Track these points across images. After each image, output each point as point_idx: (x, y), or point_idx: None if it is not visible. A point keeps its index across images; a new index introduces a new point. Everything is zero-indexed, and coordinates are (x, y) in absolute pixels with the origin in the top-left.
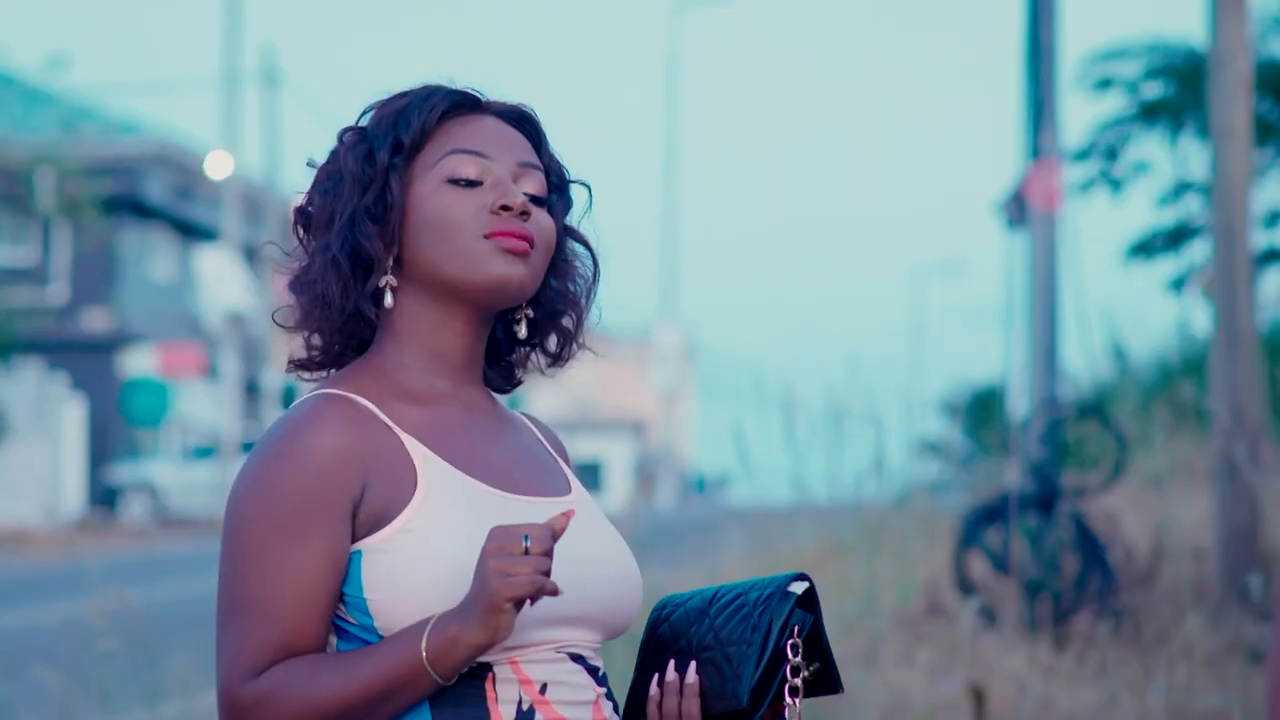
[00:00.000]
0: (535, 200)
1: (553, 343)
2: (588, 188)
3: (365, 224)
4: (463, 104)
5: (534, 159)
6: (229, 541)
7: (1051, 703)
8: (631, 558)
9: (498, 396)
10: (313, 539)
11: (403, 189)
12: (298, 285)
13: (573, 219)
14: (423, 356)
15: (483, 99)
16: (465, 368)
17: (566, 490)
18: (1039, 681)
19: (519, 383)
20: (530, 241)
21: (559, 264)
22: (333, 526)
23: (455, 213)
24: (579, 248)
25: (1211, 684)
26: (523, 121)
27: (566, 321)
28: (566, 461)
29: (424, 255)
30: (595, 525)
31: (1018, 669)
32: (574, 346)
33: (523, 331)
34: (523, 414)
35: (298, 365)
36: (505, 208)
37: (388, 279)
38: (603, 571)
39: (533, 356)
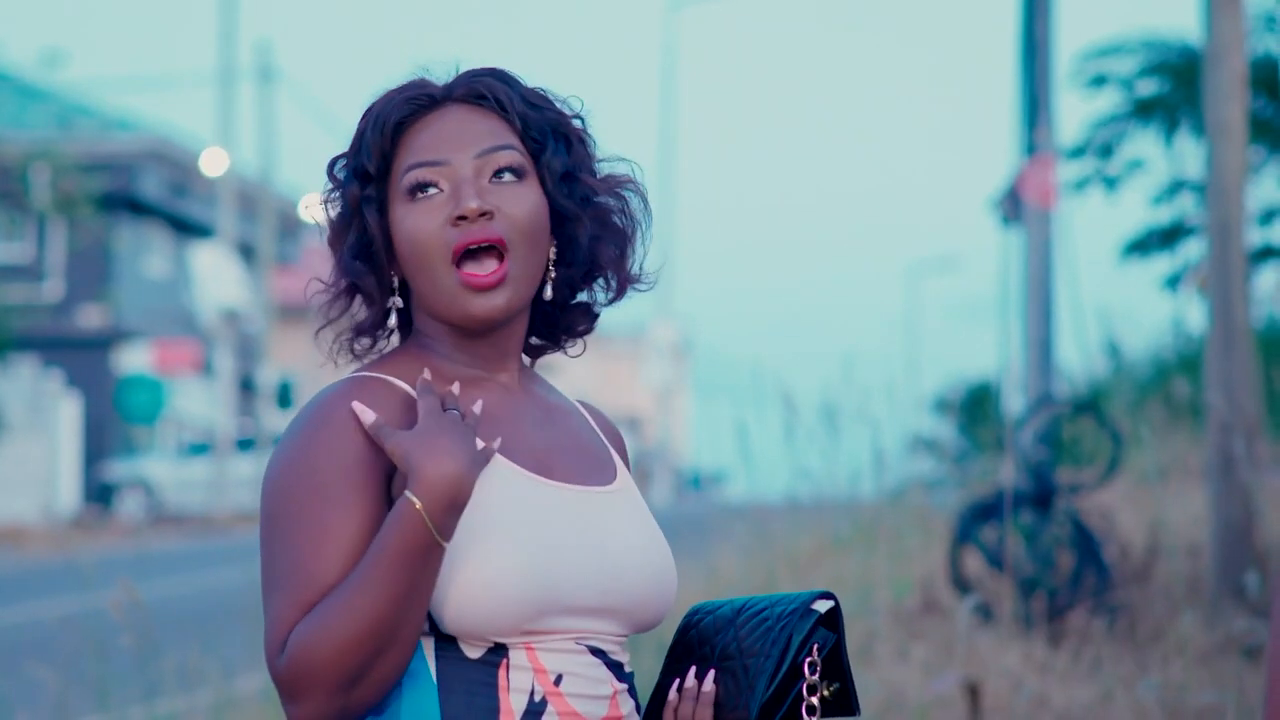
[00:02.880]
0: (509, 179)
1: (601, 285)
2: (582, 120)
3: (352, 263)
4: (419, 107)
5: (499, 139)
6: (266, 520)
7: (1046, 699)
8: (668, 554)
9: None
10: (347, 508)
11: (380, 218)
12: (330, 304)
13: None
14: (457, 347)
15: (437, 94)
16: (495, 358)
17: (610, 480)
18: (1034, 678)
19: (596, 316)
20: (498, 242)
21: (568, 211)
22: (367, 497)
23: (421, 235)
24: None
25: (1206, 681)
26: (482, 98)
27: (609, 252)
28: (623, 453)
29: (415, 286)
30: (633, 518)
31: (1013, 665)
32: (623, 278)
33: (548, 293)
34: (580, 402)
35: (339, 349)
36: (462, 218)
37: (393, 302)
38: (631, 564)
39: (591, 295)
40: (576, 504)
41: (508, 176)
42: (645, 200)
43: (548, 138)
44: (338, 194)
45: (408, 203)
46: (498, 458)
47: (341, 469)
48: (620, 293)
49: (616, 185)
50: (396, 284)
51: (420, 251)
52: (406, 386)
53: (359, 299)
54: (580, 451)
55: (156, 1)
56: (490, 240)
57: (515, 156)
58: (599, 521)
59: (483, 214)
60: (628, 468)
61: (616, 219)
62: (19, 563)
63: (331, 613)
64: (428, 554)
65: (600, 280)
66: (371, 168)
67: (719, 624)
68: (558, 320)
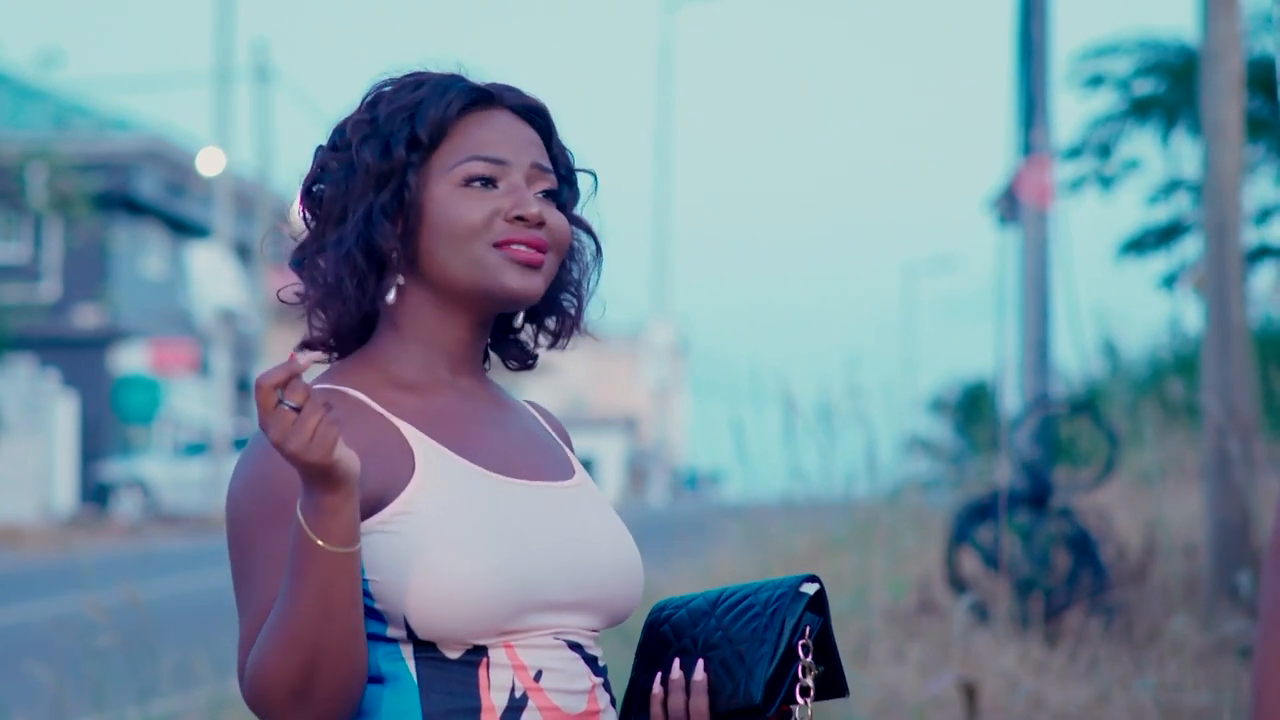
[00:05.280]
0: (548, 195)
1: (552, 323)
2: (593, 175)
3: (381, 222)
4: (478, 99)
5: (545, 159)
6: (230, 541)
7: (1043, 699)
8: (634, 546)
9: (498, 383)
10: None
11: (419, 187)
12: (308, 276)
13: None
14: (421, 349)
15: (496, 93)
16: (464, 361)
17: (568, 475)
18: (1030, 678)
19: (535, 358)
20: (544, 249)
21: (576, 252)
22: None
23: (469, 218)
24: (581, 233)
25: (1203, 681)
26: (533, 115)
27: (566, 304)
28: (570, 449)
29: (436, 258)
30: (597, 512)
31: (1009, 666)
32: (573, 329)
33: (519, 320)
34: (527, 401)
35: (305, 346)
36: (520, 218)
37: (397, 277)
38: (604, 558)
39: (535, 335)
40: (542, 500)
41: (551, 195)
42: (602, 251)
43: (573, 176)
44: (373, 153)
45: (459, 187)
46: (458, 459)
47: (295, 487)
48: (564, 342)
49: (594, 231)
50: (408, 257)
51: (465, 232)
52: (361, 396)
53: (356, 277)
54: (539, 449)
55: (153, 1)
56: (539, 246)
57: (555, 182)
58: (566, 516)
59: (540, 223)
60: (577, 461)
61: (578, 270)
62: (16, 562)
63: (266, 634)
64: (317, 559)
65: (550, 320)
66: (425, 138)
67: (695, 616)
68: (496, 343)
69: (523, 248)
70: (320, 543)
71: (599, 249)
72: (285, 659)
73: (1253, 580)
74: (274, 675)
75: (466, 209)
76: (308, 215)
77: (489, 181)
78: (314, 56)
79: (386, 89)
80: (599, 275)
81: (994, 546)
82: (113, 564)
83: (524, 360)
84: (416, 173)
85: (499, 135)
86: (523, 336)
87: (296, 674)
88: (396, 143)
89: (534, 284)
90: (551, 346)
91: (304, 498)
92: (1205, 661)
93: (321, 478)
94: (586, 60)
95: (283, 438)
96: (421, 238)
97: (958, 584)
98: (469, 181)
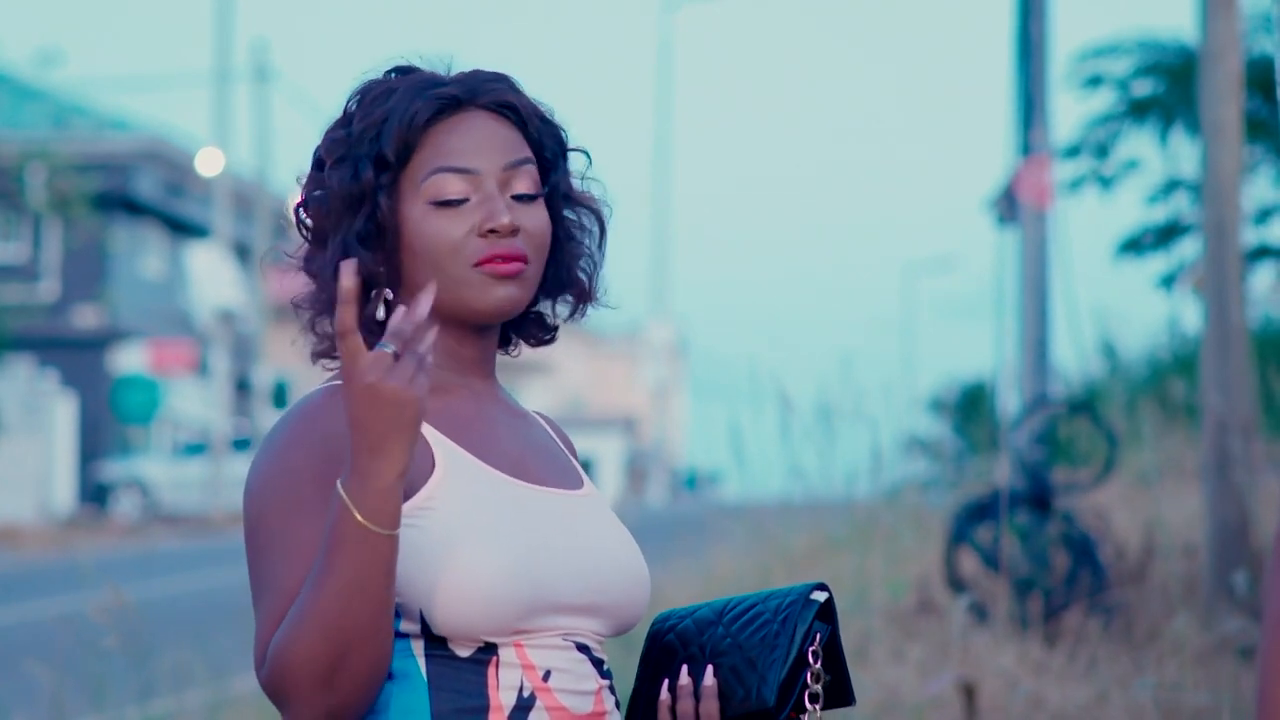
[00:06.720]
0: (528, 198)
1: (568, 297)
2: (585, 153)
3: (356, 249)
4: (445, 106)
5: (521, 152)
6: (247, 533)
7: (1042, 699)
8: (641, 557)
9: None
10: (321, 518)
11: (392, 207)
12: (308, 299)
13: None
14: (436, 352)
15: (465, 96)
16: (474, 364)
17: (578, 485)
18: (1030, 678)
19: (555, 329)
20: (521, 258)
21: (564, 230)
22: None
23: (443, 239)
24: (581, 209)
25: (1202, 681)
26: (506, 108)
27: (581, 275)
28: (576, 460)
29: (419, 279)
30: (607, 522)
31: (1008, 666)
32: (586, 301)
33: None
34: (535, 412)
35: (319, 355)
36: (493, 231)
37: (385, 294)
38: (614, 565)
39: (552, 308)
40: (554, 506)
41: (526, 196)
42: (606, 222)
43: (558, 158)
44: (343, 178)
45: (432, 206)
46: (475, 461)
47: (316, 480)
48: (582, 311)
49: (594, 205)
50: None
51: (443, 254)
52: None
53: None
54: (548, 457)
55: (153, 1)
56: (515, 257)
57: (534, 174)
58: (577, 523)
59: (513, 231)
60: (584, 473)
61: (590, 240)
62: (15, 562)
63: (294, 617)
64: (360, 541)
65: (565, 295)
66: (392, 157)
67: (701, 625)
68: (515, 325)
69: (499, 263)
70: (363, 520)
71: (602, 222)
72: (314, 643)
73: (1250, 580)
74: (301, 659)
75: (441, 227)
76: (302, 231)
77: (460, 201)
78: (314, 56)
79: (365, 96)
80: (604, 245)
81: (993, 546)
82: (112, 564)
83: (543, 334)
84: (388, 194)
85: (468, 142)
86: (540, 308)
87: (325, 659)
88: (364, 166)
89: (514, 295)
90: (569, 318)
91: (352, 476)
92: (1204, 661)
93: (408, 427)
94: (586, 60)
95: (382, 376)
96: (403, 257)
97: (957, 584)
98: (440, 201)
